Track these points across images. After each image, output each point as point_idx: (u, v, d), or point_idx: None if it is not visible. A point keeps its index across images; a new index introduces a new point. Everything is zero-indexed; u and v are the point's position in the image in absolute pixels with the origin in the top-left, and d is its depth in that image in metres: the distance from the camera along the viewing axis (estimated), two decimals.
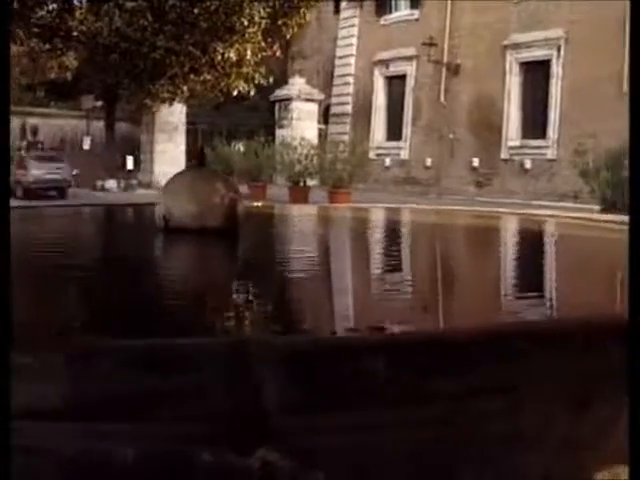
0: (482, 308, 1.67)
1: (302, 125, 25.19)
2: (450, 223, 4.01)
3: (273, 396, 1.02)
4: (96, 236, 3.59)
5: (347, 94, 26.41)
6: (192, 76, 14.42)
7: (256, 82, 15.83)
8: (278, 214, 5.10)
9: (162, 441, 1.04)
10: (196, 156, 3.27)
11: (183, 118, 24.01)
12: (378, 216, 5.01)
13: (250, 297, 1.98)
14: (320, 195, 18.33)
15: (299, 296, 2.02)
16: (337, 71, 26.76)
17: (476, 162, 22.34)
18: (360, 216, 4.73)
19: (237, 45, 13.87)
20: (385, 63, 24.70)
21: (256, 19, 13.47)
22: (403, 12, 24.06)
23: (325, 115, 26.75)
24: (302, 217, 4.98)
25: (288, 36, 15.33)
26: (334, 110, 26.71)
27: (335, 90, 26.69)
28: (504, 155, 21.77)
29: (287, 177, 19.86)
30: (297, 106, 25.26)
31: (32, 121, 24.12)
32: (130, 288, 1.96)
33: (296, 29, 14.73)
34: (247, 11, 13.26)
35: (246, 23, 13.37)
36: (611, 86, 18.57)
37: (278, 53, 15.66)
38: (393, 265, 2.56)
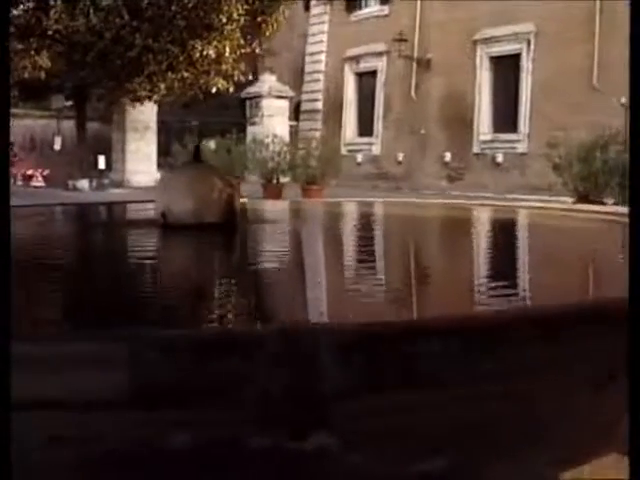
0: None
1: (273, 122, 25.16)
2: (427, 214, 4.12)
3: (329, 379, 1.03)
4: (99, 234, 3.58)
5: (318, 91, 26.43)
6: (170, 74, 14.36)
7: (235, 79, 15.85)
8: (263, 209, 5.11)
9: (217, 427, 1.04)
10: (194, 153, 3.26)
11: (154, 117, 23.92)
12: (361, 209, 5.07)
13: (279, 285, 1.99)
14: (293, 192, 18.35)
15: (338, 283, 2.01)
16: (307, 68, 26.78)
17: (448, 157, 22.44)
18: (340, 210, 4.77)
19: (215, 42, 13.85)
20: (355, 59, 24.75)
21: (234, 16, 13.49)
22: (373, 8, 24.11)
23: (296, 112, 26.74)
24: (289, 211, 4.97)
25: (267, 33, 15.39)
26: (305, 107, 26.72)
27: (306, 87, 26.71)
28: (476, 149, 21.89)
29: (260, 174, 19.86)
30: (268, 103, 25.22)
31: None
32: (163, 282, 1.96)
33: (276, 26, 14.78)
34: (225, 8, 13.28)
35: (224, 20, 13.37)
36: (581, 80, 18.75)
37: (258, 50, 15.70)
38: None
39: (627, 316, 0.97)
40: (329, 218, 4.23)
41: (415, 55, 22.97)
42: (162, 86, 14.95)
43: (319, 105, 26.36)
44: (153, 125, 24.17)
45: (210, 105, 24.86)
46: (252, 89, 25.19)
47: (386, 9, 23.89)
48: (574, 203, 13.52)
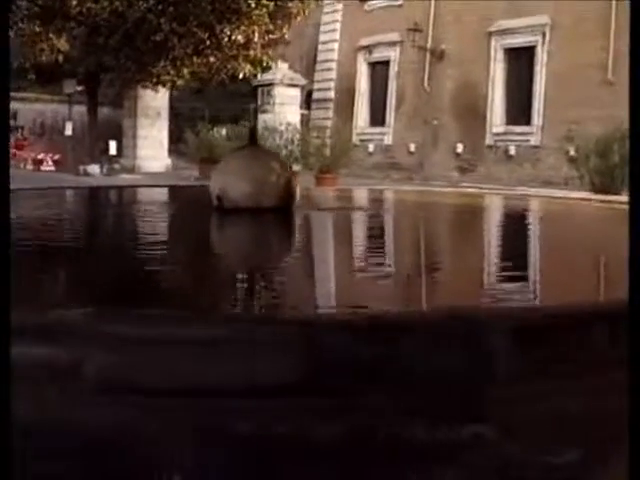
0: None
1: (285, 110, 25.08)
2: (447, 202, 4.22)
3: (487, 367, 1.00)
4: (160, 217, 3.54)
5: (330, 79, 26.36)
6: (195, 58, 14.26)
7: (264, 65, 15.80)
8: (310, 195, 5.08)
9: (373, 415, 1.01)
10: (250, 136, 3.22)
11: (166, 103, 23.88)
12: (386, 195, 5.13)
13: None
14: (306, 180, 18.30)
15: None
16: (320, 56, 26.70)
17: (460, 148, 22.38)
18: (366, 196, 4.83)
19: (244, 27, 13.76)
20: (368, 49, 24.67)
21: (263, 1, 13.42)
22: None
23: (308, 100, 26.67)
24: (329, 198, 4.93)
25: (299, 18, 15.34)
26: (317, 95, 26.65)
27: (318, 75, 26.63)
28: (488, 141, 21.83)
29: None
30: (280, 91, 25.13)
31: (11, 105, 23.87)
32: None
33: (306, 12, 14.73)
34: None
35: (253, 5, 13.30)
36: (596, 73, 18.67)
37: (287, 36, 15.64)
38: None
39: (627, 315, 0.93)
40: (381, 204, 4.22)
41: (429, 46, 22.89)
42: (186, 71, 14.84)
43: (331, 94, 26.29)
44: (164, 111, 24.13)
45: (221, 92, 24.83)
46: (264, 77, 25.13)
47: None
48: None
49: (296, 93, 25.77)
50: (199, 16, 13.26)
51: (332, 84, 26.35)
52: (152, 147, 23.72)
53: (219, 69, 15.09)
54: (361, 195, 4.95)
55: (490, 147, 21.82)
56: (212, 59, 14.25)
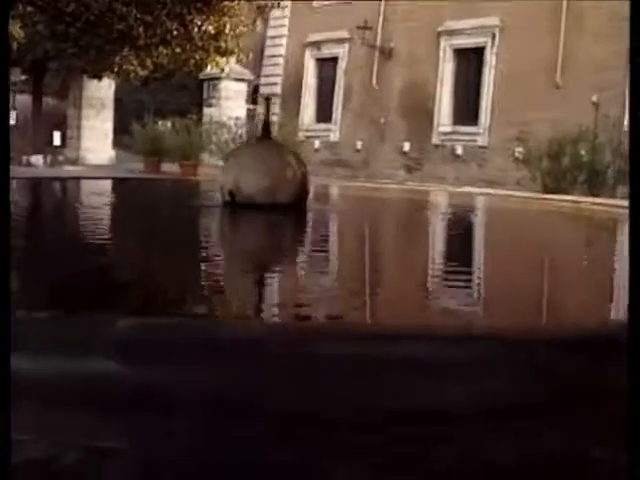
0: None
1: (230, 105, 24.98)
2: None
3: None
4: (157, 210, 3.44)
5: (277, 75, 26.24)
6: (161, 48, 14.05)
7: (235, 57, 15.66)
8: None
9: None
10: (264, 129, 3.16)
11: (111, 94, 23.57)
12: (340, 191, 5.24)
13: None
14: None
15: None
16: (268, 52, 26.57)
17: (407, 147, 22.43)
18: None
19: (215, 18, 13.62)
20: (317, 45, 24.60)
21: None
22: None
23: (254, 95, 26.54)
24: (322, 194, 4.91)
25: (272, 11, 15.27)
26: (263, 90, 26.50)
27: (265, 70, 26.50)
28: (435, 140, 21.90)
29: (221, 156, 19.72)
30: (226, 85, 25.01)
31: None
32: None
33: (280, 4, 14.65)
34: None
35: None
36: (544, 76, 18.83)
37: (259, 29, 15.52)
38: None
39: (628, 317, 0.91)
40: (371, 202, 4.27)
41: (378, 44, 22.89)
42: (149, 61, 14.62)
43: (278, 89, 26.16)
44: (110, 103, 23.81)
45: (166, 85, 24.59)
46: (211, 70, 24.95)
47: None
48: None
49: (242, 88, 25.67)
50: (169, 5, 13.07)
51: (279, 79, 26.24)
52: (96, 139, 23.40)
53: (186, 60, 14.90)
54: (340, 192, 4.94)
55: (437, 146, 21.91)
56: (178, 50, 14.03)
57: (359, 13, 22.70)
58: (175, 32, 13.57)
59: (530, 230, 3.27)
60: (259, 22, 16.30)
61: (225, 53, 14.95)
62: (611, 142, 14.77)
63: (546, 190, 14.22)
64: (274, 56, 26.33)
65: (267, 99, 3.68)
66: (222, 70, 16.46)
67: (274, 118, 24.23)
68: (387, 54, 22.80)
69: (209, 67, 16.09)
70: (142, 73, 14.85)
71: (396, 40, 22.53)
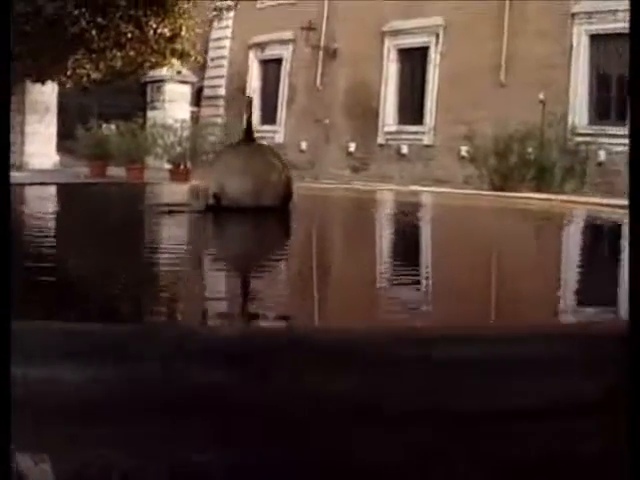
0: None
1: (174, 107, 24.88)
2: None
3: None
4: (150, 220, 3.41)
5: (221, 77, 26.17)
6: (115, 51, 13.88)
7: (192, 59, 15.58)
8: None
9: None
10: (247, 131, 3.16)
11: (55, 98, 23.30)
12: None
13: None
14: (201, 177, 18.18)
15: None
16: (211, 53, 26.46)
17: (352, 147, 22.49)
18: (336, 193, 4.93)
19: (171, 20, 13.53)
20: (261, 46, 24.58)
21: None
22: None
23: (197, 97, 26.45)
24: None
25: (231, 13, 15.23)
26: (207, 92, 26.43)
27: (209, 72, 26.39)
28: (380, 140, 22.00)
29: (168, 159, 19.66)
30: (170, 88, 24.90)
31: None
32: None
33: (238, 6, 14.62)
34: None
35: None
36: (489, 75, 19.02)
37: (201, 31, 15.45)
38: None
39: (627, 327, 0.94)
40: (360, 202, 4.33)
41: (322, 44, 22.93)
42: (101, 65, 14.46)
43: (222, 91, 26.11)
44: (53, 107, 23.53)
45: (109, 89, 24.38)
46: (154, 73, 24.81)
47: None
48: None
49: (186, 90, 25.58)
50: (124, 8, 12.94)
51: (223, 81, 26.17)
52: (40, 143, 23.09)
53: (142, 63, 14.78)
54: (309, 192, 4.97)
55: (382, 146, 22.00)
56: (132, 53, 13.90)
57: (303, 14, 22.73)
58: (130, 35, 13.46)
59: (473, 225, 3.40)
60: (215, 24, 16.22)
61: (182, 55, 14.88)
62: (558, 139, 14.99)
63: (494, 188, 14.38)
64: (218, 58, 26.25)
65: (249, 100, 3.68)
66: (178, 72, 16.39)
67: (218, 120, 24.23)
68: (331, 55, 22.85)
69: (165, 70, 16.01)
70: (95, 76, 14.71)
71: (340, 41, 22.59)
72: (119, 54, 13.88)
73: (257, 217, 2.92)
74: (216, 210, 3.01)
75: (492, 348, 0.83)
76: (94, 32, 12.99)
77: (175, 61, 14.91)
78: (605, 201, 8.99)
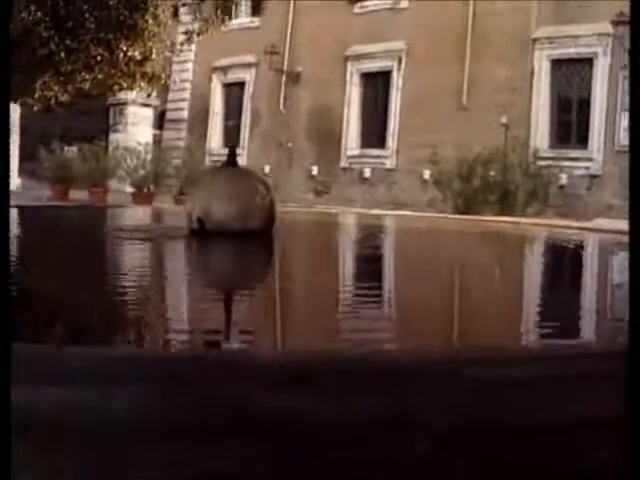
0: None
1: (137, 130, 24.85)
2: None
3: None
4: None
5: (184, 100, 26.15)
6: (84, 74, 13.79)
7: (162, 82, 15.57)
8: None
9: None
10: (230, 156, 3.19)
11: (16, 120, 23.14)
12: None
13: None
14: (163, 200, 18.16)
15: None
16: (174, 76, 26.43)
17: (315, 170, 22.55)
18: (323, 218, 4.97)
19: (141, 43, 13.49)
20: (223, 70, 24.60)
21: (161, 18, 13.25)
22: (244, 19, 23.93)
23: (160, 120, 26.41)
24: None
25: (201, 37, 15.26)
26: (170, 115, 26.40)
27: (172, 95, 26.37)
28: (343, 164, 22.09)
29: (131, 182, 19.61)
30: (133, 111, 24.87)
31: None
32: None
33: (210, 31, 14.65)
34: (151, 10, 13.04)
35: (151, 22, 13.12)
36: (451, 99, 19.19)
37: (193, 55, 15.42)
38: None
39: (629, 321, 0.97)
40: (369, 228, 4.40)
41: (285, 68, 23.02)
42: (70, 87, 14.34)
43: (184, 114, 26.09)
44: (15, 129, 23.38)
45: (71, 111, 24.29)
46: (117, 96, 24.77)
47: (257, 21, 23.87)
48: None
49: (149, 113, 25.55)
50: (94, 31, 12.89)
51: (186, 104, 26.15)
52: None
53: (111, 86, 14.70)
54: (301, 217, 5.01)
55: (345, 169, 22.09)
56: (100, 76, 13.82)
57: (266, 38, 22.81)
58: (99, 57, 13.41)
59: (434, 246, 3.59)
60: (185, 47, 16.20)
61: (152, 79, 14.84)
62: (520, 163, 15.16)
63: (458, 211, 14.47)
64: (181, 81, 26.23)
65: (235, 126, 3.72)
66: (149, 95, 16.34)
67: (180, 143, 24.22)
68: (294, 78, 22.94)
69: (134, 92, 15.96)
70: (63, 99, 14.61)
71: (303, 64, 22.69)
72: (88, 77, 13.81)
73: (246, 241, 2.95)
74: (200, 234, 3.03)
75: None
76: (63, 54, 12.94)
77: (145, 84, 14.86)
78: (566, 223, 9.11)
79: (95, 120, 25.07)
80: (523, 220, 10.52)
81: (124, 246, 3.06)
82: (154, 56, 14.38)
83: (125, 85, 14.70)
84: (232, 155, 3.15)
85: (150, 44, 14.02)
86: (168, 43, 14.63)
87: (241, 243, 2.86)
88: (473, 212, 13.90)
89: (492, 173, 14.64)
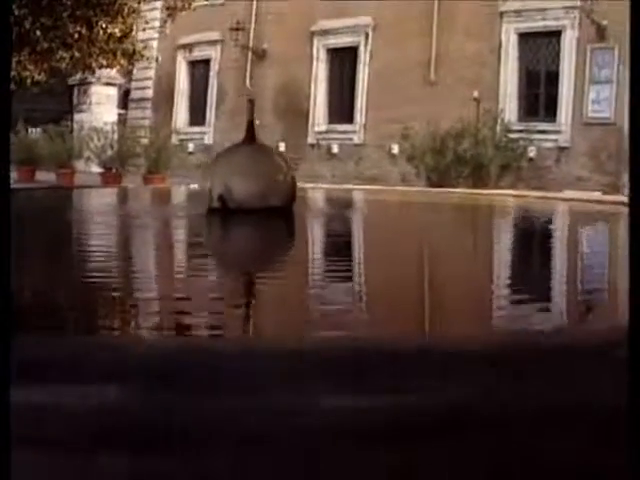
0: None
1: (102, 110, 24.62)
2: None
3: None
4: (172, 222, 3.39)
5: (148, 78, 25.93)
6: (61, 52, 13.55)
7: (145, 58, 15.39)
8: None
9: None
10: (248, 131, 3.16)
11: None
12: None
13: None
14: (133, 180, 18.03)
15: None
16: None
17: (282, 147, 22.47)
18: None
19: (121, 20, 13.29)
20: (188, 47, 24.39)
21: None
22: None
23: (125, 99, 26.19)
24: None
25: (183, 13, 15.08)
26: (134, 94, 26.18)
27: (136, 74, 26.12)
28: (311, 140, 22.05)
29: (99, 163, 19.46)
30: (97, 90, 24.63)
31: None
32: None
33: (192, 6, 14.50)
34: None
35: None
36: (418, 74, 19.19)
37: (168, 31, 15.27)
38: None
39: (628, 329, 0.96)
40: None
41: (251, 45, 22.89)
42: (45, 66, 14.10)
43: (149, 93, 25.89)
44: None
45: (34, 92, 24.02)
46: (80, 75, 24.49)
47: None
48: None
49: (113, 92, 25.32)
50: (72, 8, 12.68)
51: (150, 83, 25.93)
52: None
53: (89, 64, 14.46)
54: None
55: (313, 145, 22.06)
56: (78, 54, 13.59)
57: (231, 14, 22.64)
58: (77, 35, 13.19)
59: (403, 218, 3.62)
60: (169, 24, 16.00)
61: (133, 55, 14.66)
62: (490, 136, 15.23)
63: (431, 185, 14.53)
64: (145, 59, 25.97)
65: (251, 101, 3.70)
66: (129, 72, 16.15)
67: (146, 122, 24.04)
68: (260, 55, 22.83)
69: (114, 69, 15.76)
70: (39, 78, 14.40)
71: (269, 41, 22.58)
72: (66, 55, 13.60)
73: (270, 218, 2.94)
74: (222, 213, 3.00)
75: None
76: (39, 32, 12.73)
77: (125, 62, 14.68)
78: (538, 194, 9.17)
79: (59, 100, 24.81)
80: (503, 192, 10.58)
81: (170, 232, 3.03)
82: (134, 33, 14.21)
83: (105, 63, 14.51)
84: (251, 130, 3.12)
85: (130, 20, 13.84)
86: (148, 19, 14.45)
87: (275, 220, 2.84)
88: (447, 186, 13.95)
89: (464, 147, 14.70)
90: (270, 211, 3.02)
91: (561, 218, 4.06)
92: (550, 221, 3.60)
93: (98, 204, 4.78)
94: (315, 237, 2.75)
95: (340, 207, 3.94)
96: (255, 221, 2.92)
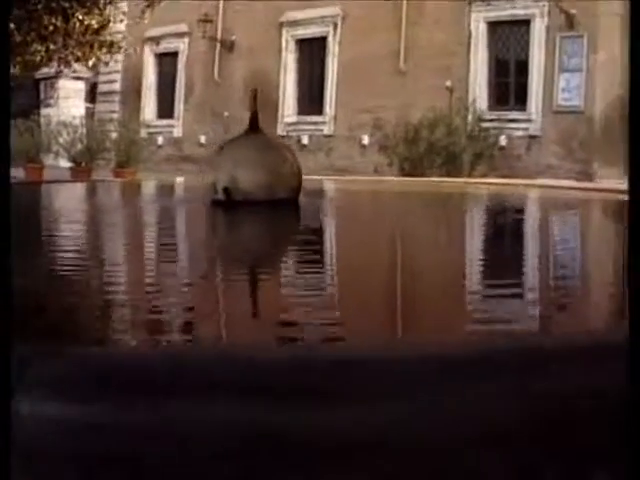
0: None
1: (69, 104, 24.44)
2: None
3: None
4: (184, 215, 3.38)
5: (116, 71, 25.73)
6: (35, 45, 13.39)
7: (124, 50, 15.23)
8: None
9: None
10: (252, 122, 3.15)
11: None
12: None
13: None
14: (104, 175, 17.92)
15: None
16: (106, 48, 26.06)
17: None
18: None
19: (98, 11, 13.15)
20: (156, 40, 24.24)
21: None
22: None
23: (92, 93, 26.02)
24: None
25: (162, 4, 14.93)
26: (102, 88, 26.02)
27: (103, 67, 25.91)
28: (280, 131, 21.99)
29: (69, 157, 19.32)
30: (64, 84, 24.44)
31: None
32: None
33: None
34: None
35: None
36: (388, 63, 19.21)
37: (146, 21, 15.14)
38: None
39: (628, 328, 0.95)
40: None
41: (219, 37, 22.81)
42: (18, 59, 13.91)
43: (117, 86, 25.74)
44: None
45: None
46: (47, 69, 24.29)
47: None
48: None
49: (81, 86, 25.15)
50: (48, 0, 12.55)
51: (118, 76, 25.76)
52: None
53: (66, 56, 14.29)
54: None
55: (283, 137, 21.99)
56: (54, 46, 13.44)
57: (198, 6, 22.53)
58: (52, 27, 13.04)
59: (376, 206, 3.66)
60: (147, 15, 15.84)
61: (111, 47, 14.51)
62: (464, 125, 15.30)
63: (404, 175, 14.58)
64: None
65: (254, 91, 3.67)
66: (106, 64, 16.00)
67: (114, 116, 23.89)
68: (229, 47, 22.76)
69: (90, 62, 15.61)
70: (14, 72, 14.21)
71: (237, 32, 22.51)
72: (41, 47, 13.44)
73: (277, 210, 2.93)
74: (228, 205, 2.98)
75: None
76: (12, 25, 12.57)
77: (102, 54, 14.53)
78: (510, 181, 9.24)
79: (26, 95, 24.57)
80: (478, 180, 10.64)
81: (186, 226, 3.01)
82: (111, 24, 14.06)
83: (81, 55, 14.35)
84: (254, 121, 3.10)
85: (107, 12, 13.70)
86: (126, 10, 14.33)
87: (287, 213, 2.83)
88: (420, 176, 14.00)
89: (437, 136, 14.76)
90: (276, 203, 3.00)
91: (534, 204, 4.12)
92: (522, 209, 3.65)
93: (84, 199, 4.66)
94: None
95: (313, 197, 3.91)
96: (263, 215, 2.91)
